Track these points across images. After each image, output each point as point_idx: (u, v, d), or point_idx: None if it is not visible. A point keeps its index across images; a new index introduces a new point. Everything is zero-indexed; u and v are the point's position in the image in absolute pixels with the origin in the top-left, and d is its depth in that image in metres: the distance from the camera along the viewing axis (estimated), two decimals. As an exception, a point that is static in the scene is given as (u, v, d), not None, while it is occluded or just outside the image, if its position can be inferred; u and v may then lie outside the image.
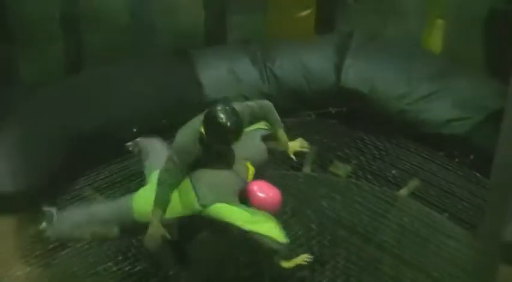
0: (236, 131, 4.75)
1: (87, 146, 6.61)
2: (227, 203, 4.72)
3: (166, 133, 6.85)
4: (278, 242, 4.71)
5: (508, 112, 1.97)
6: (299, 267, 5.13)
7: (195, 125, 4.88)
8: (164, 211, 4.86)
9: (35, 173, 6.15)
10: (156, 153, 5.61)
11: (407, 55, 7.77)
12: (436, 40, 8.21)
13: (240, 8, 8.88)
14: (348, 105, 7.56)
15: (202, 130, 4.78)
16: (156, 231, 4.86)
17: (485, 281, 1.78)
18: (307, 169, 6.80)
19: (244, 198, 4.88)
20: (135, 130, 6.98)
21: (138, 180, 6.41)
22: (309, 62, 7.73)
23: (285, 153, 5.44)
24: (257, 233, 4.66)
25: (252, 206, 4.84)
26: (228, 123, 4.67)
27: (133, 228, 5.09)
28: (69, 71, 7.66)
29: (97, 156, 6.74)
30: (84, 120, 6.73)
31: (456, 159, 6.72)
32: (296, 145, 5.44)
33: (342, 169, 6.63)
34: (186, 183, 4.86)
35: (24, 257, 5.63)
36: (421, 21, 8.43)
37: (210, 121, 4.74)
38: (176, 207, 4.87)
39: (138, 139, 6.01)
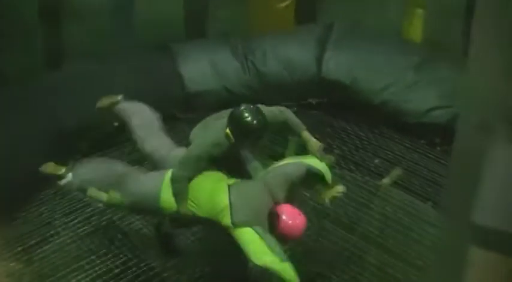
0: (262, 129, 4.79)
1: (70, 140, 6.59)
2: (257, 227, 4.67)
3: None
4: None
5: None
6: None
7: (220, 125, 4.89)
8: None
9: (12, 169, 6.10)
10: (148, 127, 5.54)
11: (388, 45, 7.79)
12: (416, 30, 8.22)
13: (221, 1, 8.88)
14: (329, 96, 7.57)
15: (228, 130, 4.79)
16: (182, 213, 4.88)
17: (456, 264, 1.78)
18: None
19: (270, 219, 4.82)
20: (116, 124, 6.97)
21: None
22: (290, 54, 7.74)
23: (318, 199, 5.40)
24: (271, 270, 4.60)
25: (275, 229, 4.77)
26: (254, 122, 4.72)
27: (156, 213, 5.15)
28: (49, 66, 7.62)
29: (79, 151, 6.71)
30: (66, 114, 6.70)
31: (438, 148, 6.74)
32: (333, 190, 5.35)
33: (324, 159, 6.61)
34: (223, 191, 4.82)
35: (5, 253, 5.59)
36: (401, 11, 8.45)
37: (236, 120, 4.77)
38: (202, 206, 4.83)
39: (123, 103, 5.85)
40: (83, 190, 5.33)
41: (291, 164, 5.15)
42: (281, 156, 5.57)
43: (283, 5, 8.70)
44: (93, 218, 5.97)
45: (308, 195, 6.17)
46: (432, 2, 8.02)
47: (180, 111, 7.44)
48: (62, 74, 7.47)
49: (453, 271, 1.99)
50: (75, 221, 5.94)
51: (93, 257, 5.52)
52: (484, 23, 1.84)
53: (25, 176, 6.06)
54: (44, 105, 6.70)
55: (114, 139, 6.95)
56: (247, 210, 4.73)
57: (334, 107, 7.52)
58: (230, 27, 8.72)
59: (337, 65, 7.54)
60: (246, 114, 4.74)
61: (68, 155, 6.58)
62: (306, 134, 5.31)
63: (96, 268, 5.40)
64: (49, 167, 5.51)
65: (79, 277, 5.32)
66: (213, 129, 4.96)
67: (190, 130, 7.11)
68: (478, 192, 1.83)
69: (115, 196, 5.07)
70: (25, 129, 6.42)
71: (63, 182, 5.39)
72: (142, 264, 5.44)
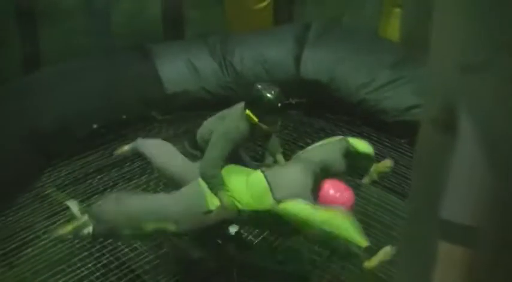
0: (281, 103, 4.88)
1: (48, 143, 6.57)
2: (303, 199, 4.67)
3: (127, 128, 6.87)
4: (358, 246, 4.59)
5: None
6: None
7: (237, 112, 4.95)
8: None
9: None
10: (167, 153, 5.44)
11: (366, 44, 7.82)
12: (393, 28, 8.26)
13: (198, 1, 8.88)
14: (308, 96, 7.59)
15: (248, 111, 4.84)
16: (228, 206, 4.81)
17: (425, 257, 1.81)
18: (269, 160, 6.78)
19: (316, 196, 4.83)
20: (95, 126, 6.95)
21: (100, 176, 6.43)
22: (268, 54, 7.74)
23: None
24: (336, 235, 4.57)
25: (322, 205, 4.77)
26: (273, 92, 4.83)
27: (202, 220, 4.87)
28: (27, 68, 7.59)
29: (58, 153, 6.70)
30: (44, 117, 6.67)
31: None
32: (381, 166, 5.45)
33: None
34: (259, 177, 4.83)
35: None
36: (379, 10, 8.48)
37: (256, 98, 4.86)
38: (243, 198, 4.81)
39: (138, 141, 5.80)
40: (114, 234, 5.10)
41: (328, 142, 5.28)
42: (262, 157, 5.62)
43: (261, 5, 8.72)
44: (73, 221, 5.94)
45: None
46: (409, 1, 8.04)
47: (158, 112, 7.45)
48: (38, 75, 7.44)
49: (421, 265, 2.02)
50: (56, 224, 5.91)
51: (74, 260, 5.49)
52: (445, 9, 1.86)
53: (2, 179, 6.04)
54: (20, 107, 6.67)
55: (93, 141, 6.95)
56: (287, 186, 4.74)
57: (313, 107, 7.54)
58: (208, 28, 8.73)
59: (316, 64, 7.55)
60: (265, 90, 4.85)
61: (45, 158, 6.60)
62: (280, 157, 5.53)
63: (78, 271, 5.35)
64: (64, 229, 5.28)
65: (60, 281, 5.29)
66: (231, 117, 4.98)
67: (169, 131, 7.16)
68: (442, 188, 1.86)
69: (165, 226, 4.88)
70: (1, 131, 6.38)
71: (85, 231, 5.11)
72: (123, 267, 5.42)
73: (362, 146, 5.31)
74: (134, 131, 7.13)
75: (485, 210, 1.78)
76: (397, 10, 8.23)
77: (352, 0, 8.73)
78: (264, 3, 8.75)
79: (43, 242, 5.70)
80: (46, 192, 6.31)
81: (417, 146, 2.06)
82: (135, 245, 5.63)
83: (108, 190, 6.36)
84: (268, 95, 4.82)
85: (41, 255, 5.57)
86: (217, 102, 5.23)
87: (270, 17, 8.91)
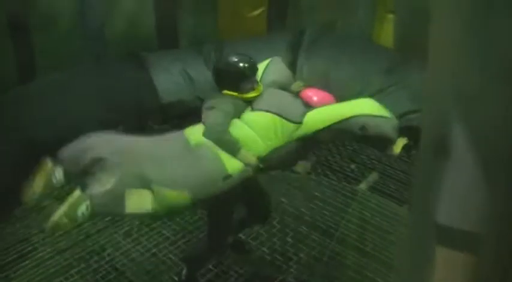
0: (246, 62, 4.85)
1: (44, 153, 6.54)
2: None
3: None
4: (388, 117, 4.93)
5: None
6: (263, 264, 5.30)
7: (220, 96, 4.84)
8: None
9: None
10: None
11: (360, 50, 7.82)
12: (387, 34, 8.27)
13: (192, 10, 8.88)
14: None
15: (225, 91, 4.81)
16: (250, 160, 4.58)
17: (422, 261, 1.81)
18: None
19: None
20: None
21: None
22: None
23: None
24: (371, 115, 4.77)
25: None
26: (236, 60, 4.86)
27: (220, 185, 4.49)
28: (22, 78, 7.58)
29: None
30: (39, 128, 6.66)
31: (413, 151, 6.76)
32: None
33: (301, 166, 6.63)
34: (262, 115, 4.70)
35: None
36: (372, 17, 8.50)
37: (221, 74, 4.89)
38: (259, 146, 4.63)
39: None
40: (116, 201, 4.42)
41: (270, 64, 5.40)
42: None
43: (255, 13, 8.73)
44: (70, 232, 5.93)
45: (286, 201, 6.22)
46: (403, 6, 8.06)
47: (154, 121, 7.45)
48: (33, 85, 7.43)
49: (418, 270, 2.02)
50: (53, 236, 5.89)
51: (72, 272, 5.48)
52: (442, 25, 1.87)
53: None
54: (16, 117, 6.66)
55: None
56: (292, 107, 4.75)
57: (308, 113, 7.54)
58: (202, 36, 8.74)
59: (311, 71, 7.56)
60: (224, 61, 4.99)
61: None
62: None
63: (75, 284, 5.38)
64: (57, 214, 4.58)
65: (58, 293, 5.30)
66: (217, 100, 4.82)
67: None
68: (441, 195, 1.86)
69: (179, 194, 4.42)
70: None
71: (83, 207, 4.48)
72: (121, 277, 5.42)
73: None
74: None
75: (484, 216, 1.78)
76: (391, 16, 8.25)
77: (346, 7, 8.72)
78: (258, 11, 8.76)
79: (40, 254, 5.69)
80: (43, 205, 6.29)
81: (415, 166, 2.08)
82: (133, 255, 5.62)
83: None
84: (234, 67, 4.80)
85: (38, 267, 5.56)
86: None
87: (264, 24, 8.92)
